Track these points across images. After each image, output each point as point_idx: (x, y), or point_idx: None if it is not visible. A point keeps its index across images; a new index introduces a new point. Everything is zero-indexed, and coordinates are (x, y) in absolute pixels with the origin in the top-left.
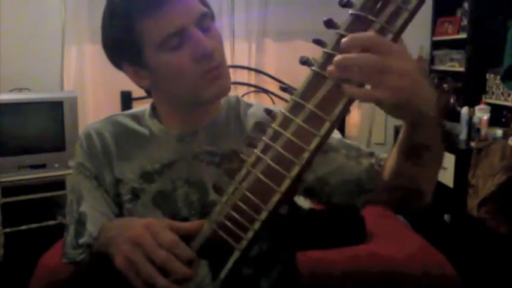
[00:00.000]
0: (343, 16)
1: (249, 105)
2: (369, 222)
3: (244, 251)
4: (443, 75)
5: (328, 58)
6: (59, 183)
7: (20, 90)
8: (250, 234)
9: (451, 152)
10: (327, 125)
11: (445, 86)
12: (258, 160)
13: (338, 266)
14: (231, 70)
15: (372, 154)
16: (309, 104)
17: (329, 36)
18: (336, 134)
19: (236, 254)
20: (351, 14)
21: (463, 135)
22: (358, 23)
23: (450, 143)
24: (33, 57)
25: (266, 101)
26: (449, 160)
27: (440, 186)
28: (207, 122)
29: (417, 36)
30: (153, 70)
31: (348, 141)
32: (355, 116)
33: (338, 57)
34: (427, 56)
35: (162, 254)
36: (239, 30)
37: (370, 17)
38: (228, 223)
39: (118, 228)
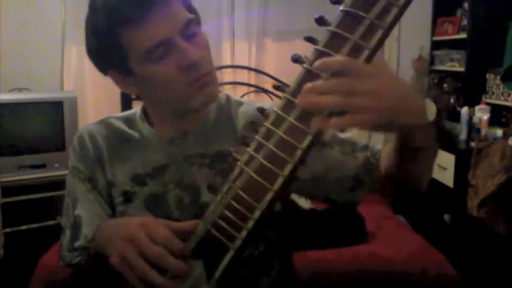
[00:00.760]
0: None
1: (240, 104)
2: (368, 223)
3: (239, 250)
4: (443, 75)
5: (320, 55)
6: (59, 183)
7: (20, 90)
8: (244, 233)
9: (451, 152)
10: None
11: (445, 86)
12: (251, 159)
13: (338, 266)
14: (231, 70)
15: (366, 147)
16: None
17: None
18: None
19: (230, 253)
20: (342, 11)
21: (463, 135)
22: (348, 20)
23: (450, 143)
24: (33, 57)
25: (266, 101)
26: (449, 160)
27: (440, 186)
28: (197, 124)
29: (417, 36)
30: (140, 79)
31: (342, 136)
32: None
33: (306, 86)
34: (427, 56)
35: (155, 249)
36: (239, 30)
37: (360, 13)
38: (222, 222)
39: (114, 227)
